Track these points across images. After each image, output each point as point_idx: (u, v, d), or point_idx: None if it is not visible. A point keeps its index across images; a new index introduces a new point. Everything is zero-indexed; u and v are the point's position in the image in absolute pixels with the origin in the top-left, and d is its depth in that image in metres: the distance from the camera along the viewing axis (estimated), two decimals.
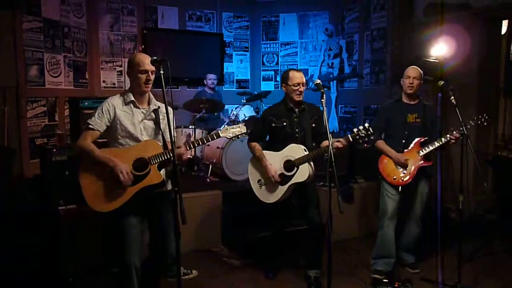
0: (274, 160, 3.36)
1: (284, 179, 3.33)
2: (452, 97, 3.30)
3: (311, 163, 3.28)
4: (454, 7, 5.08)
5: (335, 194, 2.57)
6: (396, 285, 3.39)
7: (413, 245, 3.85)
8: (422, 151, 3.61)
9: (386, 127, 3.80)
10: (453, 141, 3.45)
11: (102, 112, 2.66)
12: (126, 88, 2.79)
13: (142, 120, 2.74)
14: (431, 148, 3.56)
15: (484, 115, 3.53)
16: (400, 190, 3.65)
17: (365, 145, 3.87)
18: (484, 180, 4.39)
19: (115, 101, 2.72)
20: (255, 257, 4.05)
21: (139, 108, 2.73)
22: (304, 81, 3.38)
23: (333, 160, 2.60)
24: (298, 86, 3.33)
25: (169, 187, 2.83)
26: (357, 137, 3.06)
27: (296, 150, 3.29)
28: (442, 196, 3.80)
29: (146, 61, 2.63)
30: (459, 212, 3.23)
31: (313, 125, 3.43)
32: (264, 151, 3.44)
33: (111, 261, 3.52)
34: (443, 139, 3.51)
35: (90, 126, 2.65)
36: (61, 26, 5.38)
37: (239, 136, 2.93)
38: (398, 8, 5.98)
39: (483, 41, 5.05)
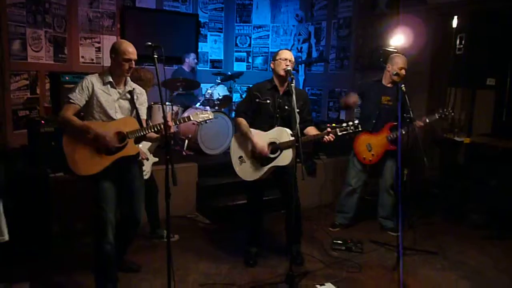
0: (259, 140, 3.36)
1: (265, 160, 3.37)
2: (403, 85, 3.64)
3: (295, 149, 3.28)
4: (412, 1, 5.60)
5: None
6: (349, 245, 3.92)
7: (389, 212, 4.37)
8: (390, 136, 4.08)
9: (360, 105, 4.27)
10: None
11: (82, 88, 2.84)
12: (105, 66, 2.94)
13: (117, 99, 2.93)
14: (398, 134, 3.96)
15: (449, 109, 3.91)
16: (366, 168, 4.28)
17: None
18: (428, 158, 4.90)
19: (94, 79, 2.90)
20: (229, 222, 4.53)
21: (115, 88, 2.92)
22: (293, 60, 3.38)
23: (299, 136, 3.02)
24: (286, 61, 3.31)
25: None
26: (344, 132, 3.18)
27: (282, 134, 3.31)
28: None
29: (130, 49, 2.86)
30: (403, 184, 3.74)
31: (298, 110, 3.24)
32: (250, 129, 3.43)
33: None
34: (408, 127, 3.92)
35: (71, 100, 2.83)
36: (43, 2, 5.52)
37: (207, 121, 3.17)
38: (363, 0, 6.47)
39: (437, 34, 5.60)
